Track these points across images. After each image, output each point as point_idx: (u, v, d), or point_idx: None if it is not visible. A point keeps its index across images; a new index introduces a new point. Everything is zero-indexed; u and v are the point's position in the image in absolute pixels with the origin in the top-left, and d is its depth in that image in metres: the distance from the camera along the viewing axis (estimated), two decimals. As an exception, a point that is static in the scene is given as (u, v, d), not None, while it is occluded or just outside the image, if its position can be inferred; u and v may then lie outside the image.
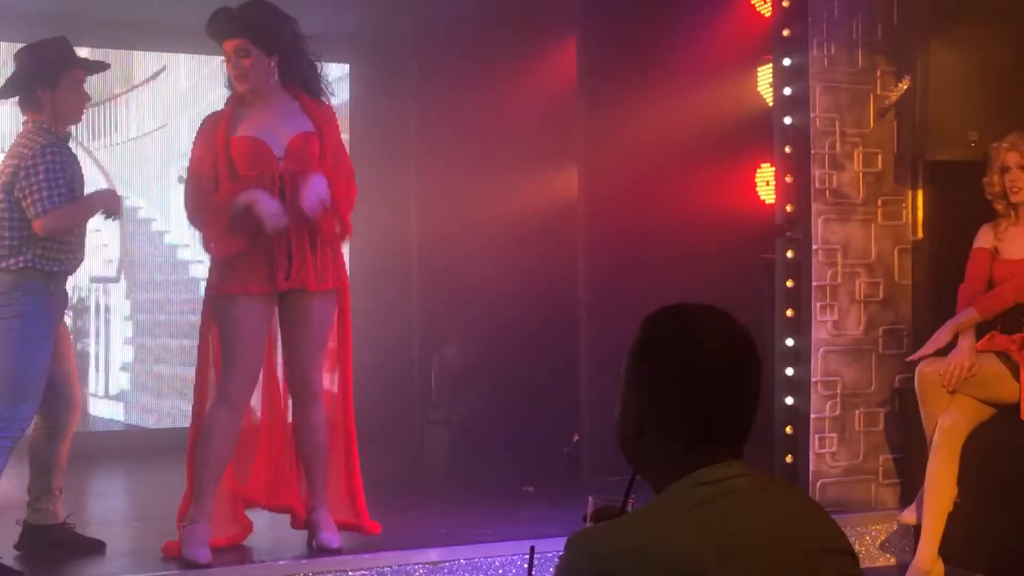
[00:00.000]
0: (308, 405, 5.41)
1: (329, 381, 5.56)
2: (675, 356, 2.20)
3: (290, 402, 5.54)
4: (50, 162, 5.34)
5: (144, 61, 9.16)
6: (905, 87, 6.31)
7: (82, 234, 5.61)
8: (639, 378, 2.23)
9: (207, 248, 5.41)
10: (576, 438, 7.57)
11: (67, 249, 5.47)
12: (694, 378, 2.17)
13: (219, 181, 5.27)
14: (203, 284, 9.34)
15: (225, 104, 5.45)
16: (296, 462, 5.56)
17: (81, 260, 5.60)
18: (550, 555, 5.08)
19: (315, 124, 5.35)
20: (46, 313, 5.40)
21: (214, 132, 5.31)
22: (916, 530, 5.67)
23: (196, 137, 5.42)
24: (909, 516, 5.69)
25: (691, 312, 2.24)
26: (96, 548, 5.62)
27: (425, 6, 8.30)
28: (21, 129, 5.60)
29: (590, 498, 2.49)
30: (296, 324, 5.38)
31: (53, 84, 5.51)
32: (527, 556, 2.48)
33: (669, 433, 2.20)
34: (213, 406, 5.30)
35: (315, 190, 5.17)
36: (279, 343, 5.55)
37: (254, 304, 5.26)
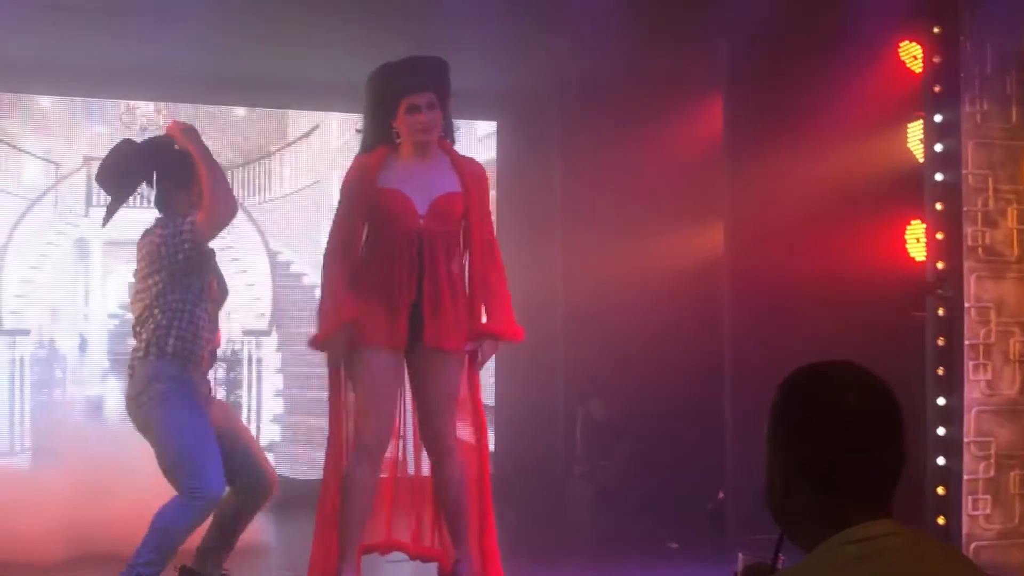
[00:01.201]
0: (444, 459, 5.34)
1: (467, 433, 5.54)
2: (813, 410, 2.20)
3: (424, 455, 5.49)
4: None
5: (297, 119, 9.39)
6: (1060, 142, 6.20)
7: (214, 319, 5.57)
8: (781, 436, 2.23)
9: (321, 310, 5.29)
10: (721, 495, 7.51)
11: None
12: (834, 431, 2.17)
13: (356, 228, 5.25)
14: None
15: (373, 152, 5.25)
16: (438, 514, 5.56)
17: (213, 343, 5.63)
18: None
19: (463, 183, 5.27)
20: (183, 392, 5.37)
21: (361, 178, 5.23)
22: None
23: (343, 182, 5.34)
24: None
25: (826, 367, 2.25)
26: None
27: (572, 64, 8.38)
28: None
29: (739, 555, 2.48)
30: (427, 381, 5.30)
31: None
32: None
33: (814, 490, 2.19)
34: (354, 461, 5.24)
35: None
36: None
37: (388, 357, 5.22)
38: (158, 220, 5.52)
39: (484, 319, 5.28)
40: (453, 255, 5.24)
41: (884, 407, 2.20)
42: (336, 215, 5.35)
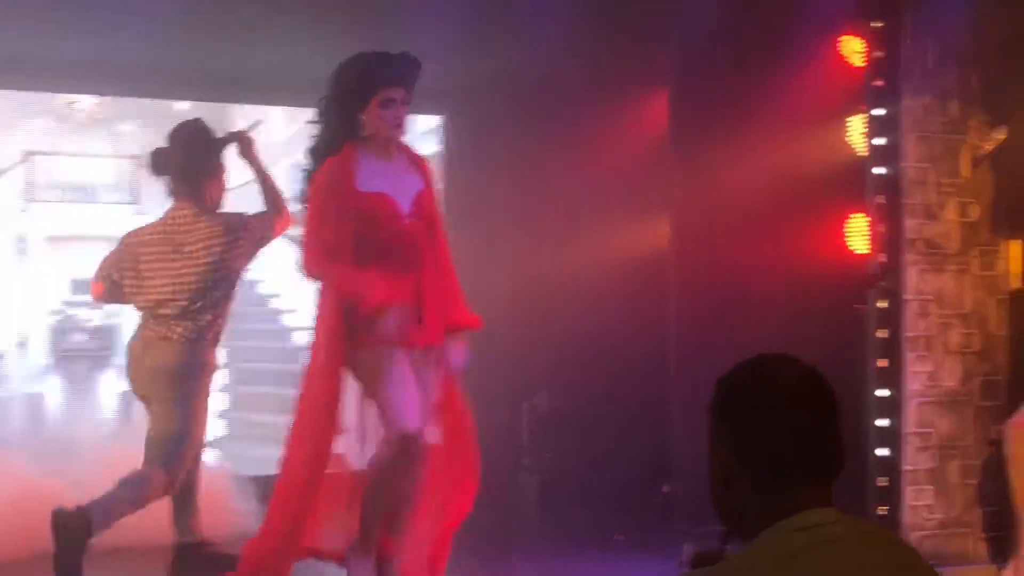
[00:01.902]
0: (418, 459, 5.17)
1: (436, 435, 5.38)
2: (752, 399, 2.25)
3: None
4: None
5: (240, 113, 9.33)
6: (1002, 137, 6.27)
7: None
8: (720, 429, 2.28)
9: (353, 294, 5.10)
10: (666, 488, 7.55)
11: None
12: (772, 418, 2.21)
13: (342, 233, 5.05)
14: (295, 334, 9.50)
15: (340, 150, 5.11)
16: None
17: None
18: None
19: (424, 179, 5.27)
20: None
21: (340, 181, 5.06)
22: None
23: (315, 186, 5.14)
24: None
25: (760, 359, 2.30)
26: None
27: (518, 58, 8.38)
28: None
29: (684, 546, 2.51)
30: (424, 378, 5.19)
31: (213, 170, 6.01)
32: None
33: (756, 479, 2.22)
34: (395, 450, 5.07)
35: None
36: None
37: (402, 354, 5.10)
38: (250, 214, 5.95)
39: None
40: (432, 252, 5.19)
41: (819, 393, 2.25)
42: (311, 221, 5.13)
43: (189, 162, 5.99)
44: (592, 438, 8.04)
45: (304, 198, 5.24)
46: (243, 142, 6.07)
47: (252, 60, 8.41)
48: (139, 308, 5.97)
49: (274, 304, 9.35)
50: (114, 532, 5.87)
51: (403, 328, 5.06)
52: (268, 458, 8.88)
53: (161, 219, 6.06)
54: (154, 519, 6.08)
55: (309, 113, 9.02)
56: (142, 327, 5.94)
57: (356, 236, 5.03)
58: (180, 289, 5.81)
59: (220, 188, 6.11)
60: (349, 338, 5.09)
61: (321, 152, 5.15)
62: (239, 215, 6.02)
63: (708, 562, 2.35)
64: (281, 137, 9.41)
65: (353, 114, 5.05)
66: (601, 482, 7.80)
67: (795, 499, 2.19)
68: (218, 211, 6.03)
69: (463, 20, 7.05)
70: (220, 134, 6.15)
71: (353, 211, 5.03)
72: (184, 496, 6.07)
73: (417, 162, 5.30)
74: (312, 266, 5.10)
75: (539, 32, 7.28)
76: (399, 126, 5.10)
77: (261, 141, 9.29)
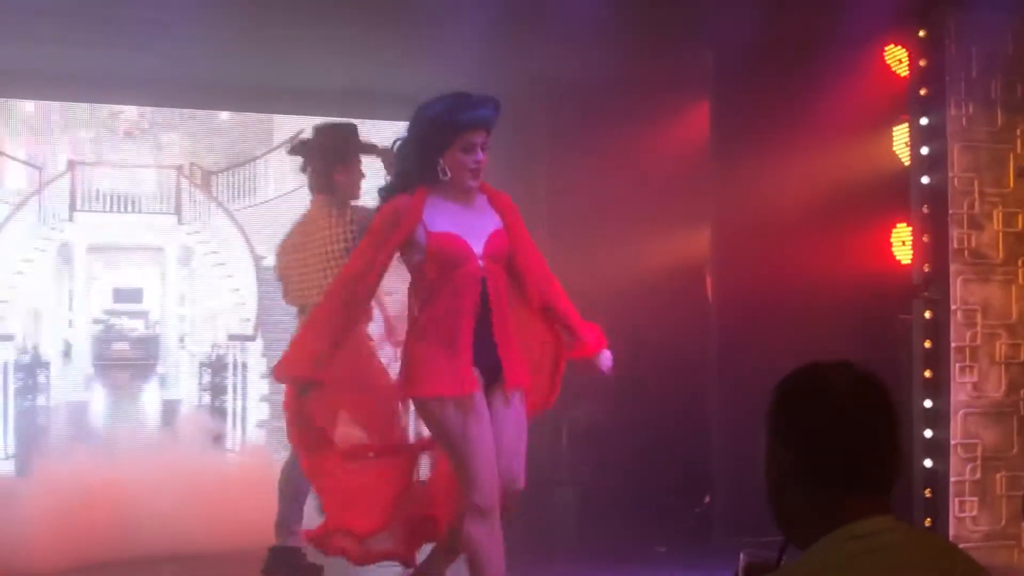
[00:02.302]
0: (511, 505, 5.00)
1: None
2: (810, 405, 2.23)
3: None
4: None
5: (282, 124, 9.38)
6: (1047, 146, 6.22)
7: None
8: (777, 433, 2.26)
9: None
10: (708, 499, 7.51)
11: None
12: (830, 425, 2.20)
13: (375, 263, 4.90)
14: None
15: (413, 192, 4.91)
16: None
17: None
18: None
19: (504, 220, 5.03)
20: None
21: (402, 216, 4.87)
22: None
23: (380, 216, 4.96)
24: None
25: (821, 366, 2.28)
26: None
27: (558, 69, 8.37)
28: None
29: (741, 554, 2.49)
30: (507, 421, 4.98)
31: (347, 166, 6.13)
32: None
33: (812, 485, 2.21)
34: (469, 520, 4.84)
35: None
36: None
37: (456, 405, 4.87)
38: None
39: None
40: (509, 293, 4.99)
41: (879, 402, 2.23)
42: (357, 246, 5.07)
43: (330, 155, 6.17)
44: (632, 450, 8.02)
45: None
46: (383, 154, 6.06)
47: (295, 71, 8.46)
48: (296, 306, 6.27)
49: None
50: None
51: (458, 376, 4.84)
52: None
53: (301, 218, 6.33)
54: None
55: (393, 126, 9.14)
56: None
57: (432, 279, 4.88)
58: (320, 287, 5.88)
59: (355, 186, 6.25)
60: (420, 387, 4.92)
61: (390, 192, 5.00)
62: (368, 209, 5.97)
63: (762, 572, 2.34)
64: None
65: (434, 156, 4.86)
66: (641, 494, 7.78)
67: (851, 507, 2.17)
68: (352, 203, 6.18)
69: (500, 28, 7.05)
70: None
71: (405, 247, 4.88)
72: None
73: (496, 202, 5.07)
74: (329, 291, 5.10)
75: (578, 40, 7.27)
76: (478, 172, 4.90)
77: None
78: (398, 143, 5.04)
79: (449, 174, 4.85)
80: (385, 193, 5.04)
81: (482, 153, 4.88)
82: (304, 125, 9.35)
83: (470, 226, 4.92)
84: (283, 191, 9.40)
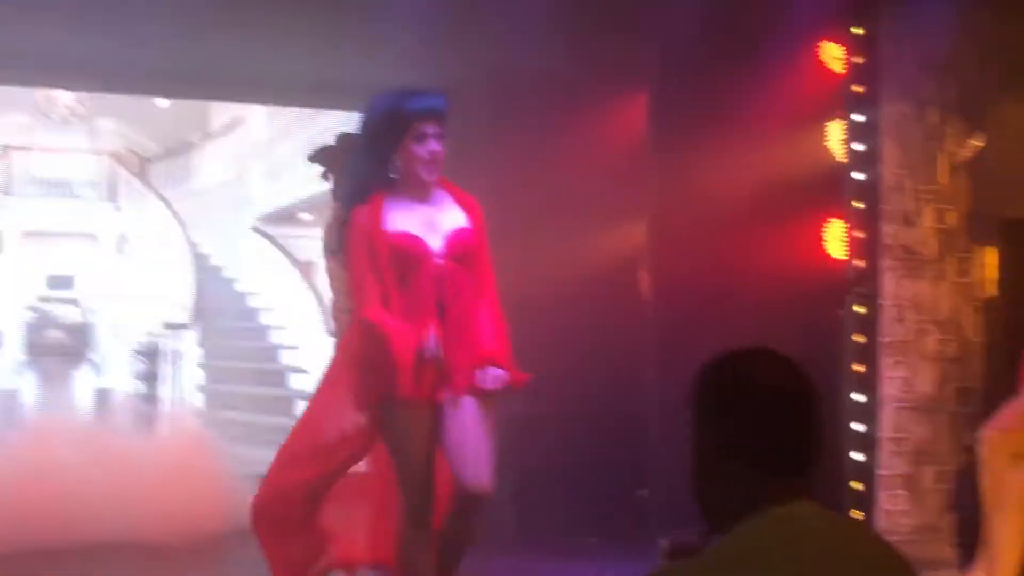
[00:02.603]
0: (477, 509, 4.86)
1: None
2: (732, 390, 2.27)
3: None
4: None
5: (220, 112, 9.31)
6: (978, 144, 6.30)
7: None
8: (701, 419, 2.29)
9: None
10: (642, 492, 7.55)
11: None
12: (752, 408, 2.24)
13: (386, 280, 4.75)
14: (272, 331, 9.45)
15: (370, 200, 4.80)
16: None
17: None
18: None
19: (469, 218, 4.93)
20: None
21: (370, 229, 4.77)
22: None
23: (349, 234, 4.86)
24: None
25: (744, 351, 2.32)
26: None
27: (494, 59, 8.37)
28: None
29: (660, 540, 2.52)
30: (466, 425, 4.82)
31: None
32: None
33: (734, 468, 2.23)
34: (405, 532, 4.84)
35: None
36: None
37: (418, 410, 4.79)
38: None
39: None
40: (470, 294, 4.85)
41: (800, 387, 2.27)
42: (354, 275, 4.86)
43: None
44: (568, 443, 8.03)
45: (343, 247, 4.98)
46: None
47: (233, 58, 8.39)
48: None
49: (251, 303, 9.31)
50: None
51: (420, 380, 4.73)
52: (240, 457, 8.92)
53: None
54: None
55: (290, 112, 9.05)
56: None
57: (383, 279, 4.75)
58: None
59: None
60: (368, 388, 4.85)
61: (353, 200, 4.87)
62: None
63: (684, 555, 2.36)
64: (262, 136, 9.39)
65: (386, 154, 4.78)
66: (576, 486, 7.80)
67: (772, 492, 2.20)
68: None
69: (439, 20, 7.04)
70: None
71: (385, 253, 4.74)
72: None
73: (463, 201, 4.96)
74: (371, 315, 4.75)
75: (516, 32, 7.27)
76: (435, 162, 4.78)
77: (241, 140, 9.31)
78: (348, 140, 4.99)
79: (400, 173, 4.76)
80: (342, 198, 4.98)
81: (436, 144, 4.77)
82: (241, 113, 9.31)
83: (428, 223, 4.81)
84: (220, 180, 9.34)
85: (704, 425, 2.28)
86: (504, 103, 8.68)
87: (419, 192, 4.81)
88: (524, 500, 8.08)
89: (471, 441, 4.79)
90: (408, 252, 4.75)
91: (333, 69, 8.23)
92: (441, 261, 4.78)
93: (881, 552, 2.28)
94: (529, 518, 7.89)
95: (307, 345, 9.30)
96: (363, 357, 4.85)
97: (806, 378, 2.28)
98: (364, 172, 4.83)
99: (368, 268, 4.73)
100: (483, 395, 4.81)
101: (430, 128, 4.76)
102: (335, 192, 6.19)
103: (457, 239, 4.84)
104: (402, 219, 4.76)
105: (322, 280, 9.51)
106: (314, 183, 9.57)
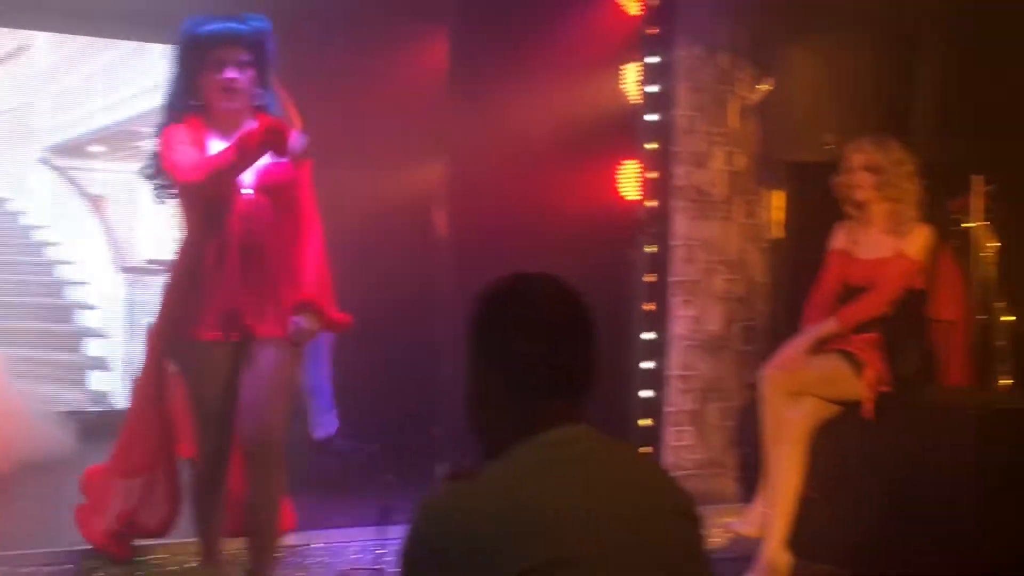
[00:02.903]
0: (270, 469, 4.75)
1: None
2: (508, 314, 2.29)
3: None
4: None
5: (3, 37, 8.94)
6: (766, 89, 6.44)
7: None
8: (477, 345, 2.30)
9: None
10: (435, 431, 7.58)
11: None
12: (528, 332, 2.26)
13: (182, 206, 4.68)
14: (60, 267, 9.20)
15: (182, 121, 4.64)
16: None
17: None
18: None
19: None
20: None
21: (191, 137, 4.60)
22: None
23: (163, 142, 4.63)
24: (747, 529, 5.73)
25: (517, 276, 2.34)
26: None
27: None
28: None
29: (437, 467, 2.54)
30: (260, 372, 4.68)
31: None
32: (382, 540, 2.49)
33: (510, 393, 2.25)
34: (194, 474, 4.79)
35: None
36: None
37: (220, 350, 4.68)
38: None
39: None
40: (285, 232, 4.68)
41: (574, 310, 2.30)
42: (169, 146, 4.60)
43: None
44: (360, 382, 8.00)
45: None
46: None
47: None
48: None
49: (37, 236, 9.02)
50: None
51: (225, 319, 4.61)
52: (27, 393, 8.66)
53: None
54: None
55: (77, 40, 8.72)
56: None
57: (192, 215, 4.65)
58: None
59: None
60: (171, 328, 4.70)
61: (163, 124, 4.70)
62: None
63: (463, 477, 2.37)
64: (45, 65, 9.04)
65: (190, 81, 4.62)
66: (369, 425, 7.79)
67: (546, 414, 2.23)
68: None
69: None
70: None
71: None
72: None
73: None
74: (191, 173, 4.54)
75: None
76: (230, 90, 4.58)
77: (25, 68, 8.96)
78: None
79: (205, 100, 4.60)
80: (158, 125, 4.71)
81: (237, 72, 4.57)
82: (24, 40, 8.94)
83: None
84: (3, 108, 8.97)
85: (481, 348, 2.30)
86: (297, 39, 8.52)
87: (226, 123, 4.63)
88: (316, 442, 8.05)
89: (259, 389, 4.63)
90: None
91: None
92: (251, 195, 4.60)
93: (652, 474, 2.33)
94: (323, 457, 7.86)
95: (96, 281, 9.03)
96: (168, 290, 4.73)
97: (580, 302, 2.31)
98: (173, 102, 4.67)
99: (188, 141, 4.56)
100: (289, 341, 4.66)
101: (228, 54, 4.58)
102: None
103: (269, 173, 4.64)
104: (212, 150, 4.58)
105: (113, 214, 9.26)
106: (104, 114, 9.29)
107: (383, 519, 4.68)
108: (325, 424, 6.94)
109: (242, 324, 4.62)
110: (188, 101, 4.63)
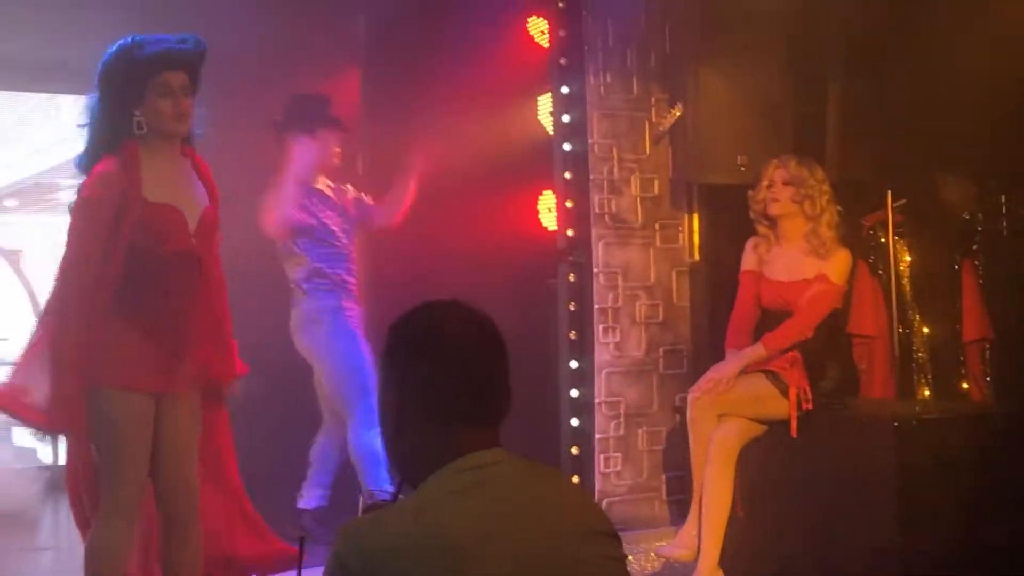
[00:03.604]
0: (191, 526, 4.50)
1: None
2: (421, 342, 2.30)
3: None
4: None
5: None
6: (678, 114, 6.49)
7: None
8: (392, 375, 2.31)
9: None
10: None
11: None
12: (441, 360, 2.26)
13: (112, 257, 4.29)
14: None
15: (119, 149, 4.37)
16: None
17: None
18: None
19: (210, 194, 4.58)
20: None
21: (123, 190, 4.30)
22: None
23: (90, 191, 4.34)
24: (679, 552, 5.72)
25: (431, 305, 2.34)
26: None
27: (206, 34, 8.15)
28: None
29: (361, 498, 2.53)
30: (184, 425, 4.53)
31: None
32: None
33: (425, 422, 2.26)
34: (105, 523, 4.38)
35: None
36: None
37: (144, 403, 4.42)
38: None
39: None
40: (212, 281, 4.54)
41: (486, 337, 2.31)
42: (78, 239, 4.30)
43: None
44: (284, 424, 7.93)
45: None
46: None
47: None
48: None
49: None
50: None
51: (166, 370, 4.40)
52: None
53: None
54: None
55: (33, 98, 8.60)
56: None
57: (138, 257, 4.33)
58: None
59: None
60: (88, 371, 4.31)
61: (92, 158, 4.39)
62: None
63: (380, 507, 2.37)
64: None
65: (128, 109, 4.33)
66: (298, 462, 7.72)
67: (462, 442, 2.23)
68: None
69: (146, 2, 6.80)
70: None
71: (132, 226, 4.29)
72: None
73: (203, 172, 4.60)
74: (68, 294, 4.28)
75: (229, 6, 7.10)
76: (180, 117, 4.37)
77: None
78: (88, 105, 4.42)
79: (146, 128, 4.33)
80: (82, 164, 4.41)
81: (185, 98, 4.38)
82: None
83: (184, 196, 4.44)
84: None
85: (395, 378, 2.30)
86: (213, 85, 8.47)
87: (167, 153, 4.42)
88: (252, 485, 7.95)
89: (191, 442, 4.51)
90: (166, 227, 4.36)
91: (37, 50, 7.88)
92: (194, 241, 4.43)
93: (568, 494, 2.34)
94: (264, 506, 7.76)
95: (16, 336, 8.93)
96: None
97: (491, 327, 2.32)
98: (108, 123, 4.36)
99: (94, 236, 4.25)
100: (207, 392, 4.56)
101: (176, 79, 4.38)
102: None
103: (208, 218, 4.50)
104: (160, 186, 4.36)
105: (28, 268, 9.15)
106: (17, 168, 9.19)
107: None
108: (314, 498, 6.80)
109: (168, 374, 4.43)
110: (127, 131, 4.35)
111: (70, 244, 4.31)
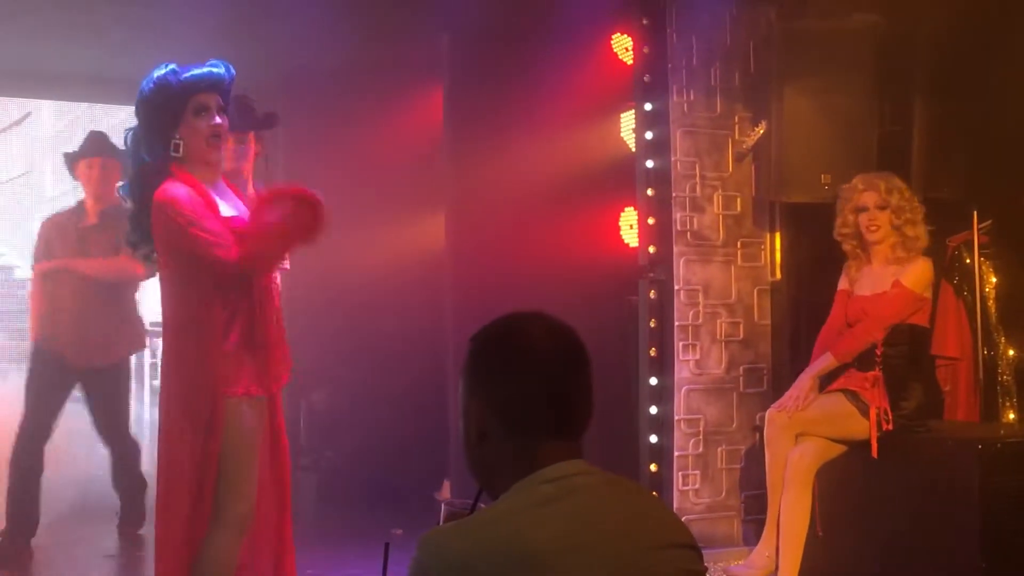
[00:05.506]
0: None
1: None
2: (505, 354, 2.30)
3: None
4: None
5: (7, 105, 9.04)
6: (761, 132, 6.48)
7: None
8: (475, 385, 2.32)
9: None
10: (445, 483, 7.59)
11: None
12: (525, 372, 2.27)
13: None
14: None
15: (180, 171, 4.44)
16: None
17: None
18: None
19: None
20: None
21: (196, 199, 4.38)
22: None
23: (183, 206, 4.34)
24: (751, 572, 5.70)
25: (515, 316, 2.35)
26: None
27: (291, 55, 8.29)
28: None
29: (443, 505, 2.55)
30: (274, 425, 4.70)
31: None
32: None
33: (507, 433, 2.27)
34: (228, 534, 4.44)
35: None
36: None
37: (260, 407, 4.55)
38: None
39: None
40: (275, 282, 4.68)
41: (570, 349, 2.31)
42: (197, 225, 4.33)
43: None
44: (371, 436, 8.02)
45: (163, 218, 4.39)
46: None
47: (21, 53, 8.14)
48: None
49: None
50: None
51: (263, 374, 4.49)
52: None
53: None
54: None
55: (78, 108, 8.81)
56: None
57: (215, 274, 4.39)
58: None
59: None
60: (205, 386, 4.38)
61: (145, 187, 4.45)
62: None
63: (460, 517, 2.39)
64: (49, 131, 9.14)
65: (167, 132, 4.40)
66: (380, 480, 7.80)
67: (546, 453, 2.24)
68: None
69: (231, 10, 6.92)
70: None
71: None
72: None
73: (239, 194, 4.68)
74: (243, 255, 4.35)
75: (311, 24, 7.20)
76: (218, 136, 4.44)
77: (29, 135, 9.06)
78: (129, 133, 4.53)
79: (182, 150, 4.40)
80: (134, 192, 4.50)
81: (219, 118, 4.44)
82: (30, 107, 9.05)
83: (241, 209, 4.54)
84: (8, 176, 9.07)
85: (478, 390, 2.31)
86: (298, 98, 8.60)
87: (210, 174, 4.50)
88: (329, 496, 8.05)
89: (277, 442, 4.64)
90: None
91: (120, 64, 8.03)
92: None
93: (650, 506, 2.34)
94: (334, 513, 7.86)
95: None
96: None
97: (573, 338, 2.32)
98: (149, 156, 4.46)
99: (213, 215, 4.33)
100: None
101: (210, 100, 4.46)
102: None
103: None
104: (224, 203, 4.48)
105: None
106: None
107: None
108: None
109: (268, 378, 4.54)
110: (167, 153, 4.42)
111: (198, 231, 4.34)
